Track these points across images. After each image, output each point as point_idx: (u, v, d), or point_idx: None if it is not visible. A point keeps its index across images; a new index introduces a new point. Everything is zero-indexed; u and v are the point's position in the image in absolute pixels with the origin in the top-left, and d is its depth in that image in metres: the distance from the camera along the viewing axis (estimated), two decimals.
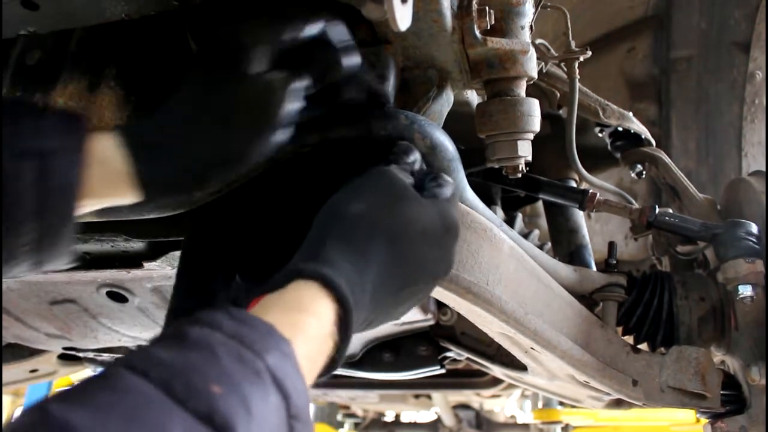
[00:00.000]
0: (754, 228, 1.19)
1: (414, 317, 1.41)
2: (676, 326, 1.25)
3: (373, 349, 1.68)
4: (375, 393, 2.97)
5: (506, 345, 1.22)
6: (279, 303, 0.57)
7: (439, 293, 0.93)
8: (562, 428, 3.59)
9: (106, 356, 1.70)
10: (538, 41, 1.23)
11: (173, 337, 0.48)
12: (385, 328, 1.50)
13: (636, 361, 1.13)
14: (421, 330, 1.63)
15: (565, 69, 1.28)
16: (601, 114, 1.40)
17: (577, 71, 1.25)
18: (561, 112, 1.51)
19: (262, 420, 0.44)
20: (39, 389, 3.94)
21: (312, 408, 4.49)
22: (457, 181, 0.90)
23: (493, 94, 0.94)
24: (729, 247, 1.18)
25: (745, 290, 1.14)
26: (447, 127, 0.89)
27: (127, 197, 0.67)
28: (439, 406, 3.98)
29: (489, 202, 1.54)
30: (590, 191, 1.32)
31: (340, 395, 3.05)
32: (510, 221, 1.69)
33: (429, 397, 3.70)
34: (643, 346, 1.23)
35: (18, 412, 0.41)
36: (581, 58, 1.24)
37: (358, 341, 1.62)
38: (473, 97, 1.16)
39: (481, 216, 0.92)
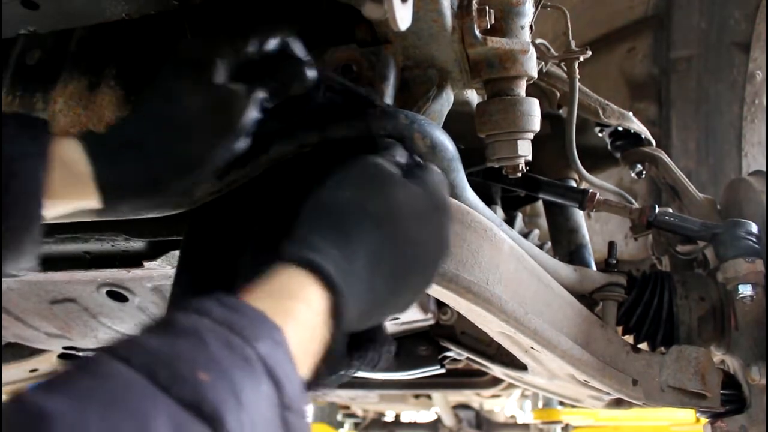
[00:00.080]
0: (754, 228, 1.19)
1: (414, 317, 1.41)
2: (676, 326, 1.25)
3: None
4: (375, 393, 2.97)
5: (506, 344, 1.22)
6: (266, 290, 0.55)
7: (439, 293, 0.93)
8: (562, 428, 3.59)
9: None
10: (538, 41, 1.23)
11: (161, 324, 0.47)
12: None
13: (636, 361, 1.13)
14: (421, 329, 1.63)
15: (565, 69, 1.29)
16: (601, 114, 1.40)
17: (577, 71, 1.25)
18: (561, 111, 1.51)
19: (252, 409, 0.43)
20: None
21: (312, 408, 4.49)
22: (457, 181, 0.90)
23: (493, 93, 0.94)
24: (729, 247, 1.18)
25: (745, 290, 1.14)
26: (447, 127, 0.89)
27: (90, 201, 0.69)
28: (439, 406, 3.98)
29: (489, 201, 1.54)
30: (590, 191, 1.32)
31: (340, 395, 3.05)
32: (510, 221, 1.69)
33: (429, 397, 3.70)
34: (643, 346, 1.23)
35: None
36: (581, 58, 1.24)
37: None
38: (473, 96, 1.16)
39: (481, 216, 0.92)
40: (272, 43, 0.75)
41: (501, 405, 4.58)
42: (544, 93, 1.42)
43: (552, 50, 1.27)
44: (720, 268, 1.20)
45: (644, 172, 1.51)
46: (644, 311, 1.25)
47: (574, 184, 1.50)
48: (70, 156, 0.67)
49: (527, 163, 0.97)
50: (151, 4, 0.83)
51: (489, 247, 0.92)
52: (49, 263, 1.05)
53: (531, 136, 0.95)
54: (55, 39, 0.92)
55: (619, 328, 1.25)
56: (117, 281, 1.16)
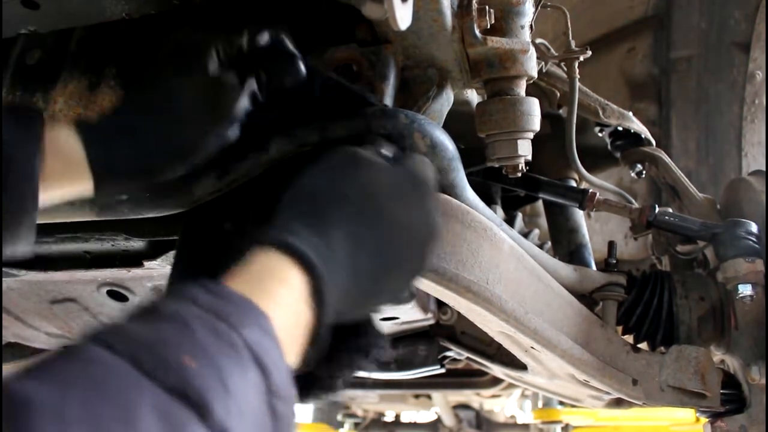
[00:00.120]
0: (753, 227, 1.20)
1: (414, 317, 1.41)
2: (676, 325, 1.25)
3: None
4: (375, 393, 2.97)
5: (506, 344, 1.22)
6: (245, 274, 0.54)
7: (439, 292, 0.93)
8: (562, 428, 3.58)
9: None
10: (538, 41, 1.23)
11: (145, 311, 0.46)
12: (385, 327, 1.50)
13: (636, 361, 1.13)
14: (421, 329, 1.63)
15: (565, 69, 1.29)
16: (601, 114, 1.41)
17: (577, 71, 1.25)
18: (561, 111, 1.51)
19: (240, 396, 0.42)
20: None
21: (312, 407, 4.49)
22: (457, 181, 0.90)
23: (493, 93, 0.94)
24: (729, 247, 1.18)
25: (745, 289, 1.14)
26: (447, 127, 0.89)
27: (83, 185, 0.70)
28: (439, 406, 3.98)
29: (489, 201, 1.54)
30: (590, 191, 1.32)
31: (340, 395, 3.05)
32: (510, 221, 1.69)
33: (429, 397, 3.71)
34: (643, 346, 1.23)
35: None
36: (581, 58, 1.24)
37: None
38: (473, 96, 1.16)
39: (481, 215, 0.92)
40: (264, 37, 0.77)
41: (501, 405, 4.58)
42: (544, 93, 1.42)
43: (552, 50, 1.27)
44: (720, 268, 1.20)
45: (644, 172, 1.51)
46: (644, 311, 1.25)
47: (574, 184, 1.50)
48: (64, 142, 0.68)
49: (527, 163, 0.97)
50: (151, 4, 0.84)
51: (489, 246, 0.92)
52: (49, 263, 1.05)
53: (531, 135, 0.95)
54: (55, 39, 0.92)
55: (619, 328, 1.25)
56: (117, 281, 1.16)
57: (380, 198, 0.66)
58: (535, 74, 0.94)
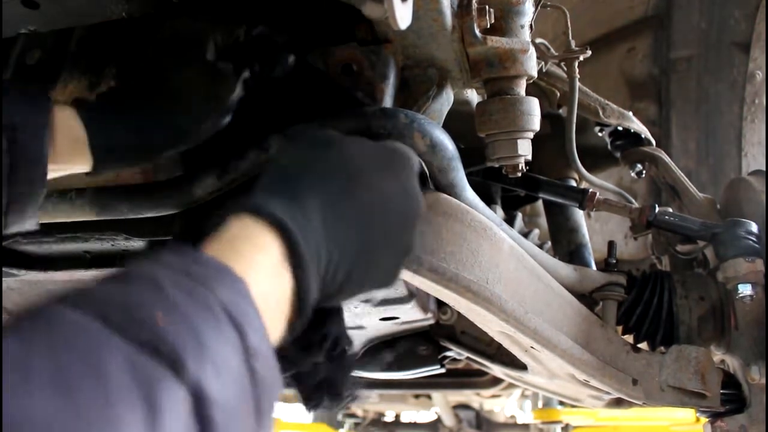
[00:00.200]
0: (753, 227, 1.19)
1: (414, 316, 1.41)
2: (676, 325, 1.25)
3: (373, 349, 1.68)
4: (375, 393, 2.97)
5: (506, 344, 1.22)
6: (217, 242, 0.53)
7: (439, 292, 0.93)
8: (562, 428, 3.58)
9: None
10: (538, 40, 1.23)
11: (115, 275, 0.44)
12: (385, 327, 1.49)
13: (636, 360, 1.13)
14: (421, 329, 1.63)
15: (565, 68, 1.29)
16: (600, 113, 1.40)
17: (577, 71, 1.25)
18: (561, 111, 1.51)
19: (215, 353, 0.40)
20: None
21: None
22: (457, 180, 0.90)
23: (493, 93, 0.94)
24: (729, 246, 1.18)
25: (745, 289, 1.14)
26: (447, 126, 0.89)
27: (83, 165, 0.73)
28: (439, 406, 3.98)
29: (489, 201, 1.54)
30: (590, 190, 1.32)
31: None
32: (510, 220, 1.69)
33: (429, 397, 3.71)
34: (643, 346, 1.23)
35: None
36: (581, 58, 1.24)
37: (358, 340, 1.62)
38: (473, 96, 1.16)
39: (480, 215, 0.92)
40: (257, 30, 0.80)
41: (501, 405, 4.58)
42: (544, 93, 1.42)
43: (552, 50, 1.27)
44: (720, 268, 1.20)
45: (644, 171, 1.51)
46: (644, 311, 1.25)
47: (574, 184, 1.50)
48: (67, 124, 0.71)
49: (527, 163, 0.97)
50: (151, 3, 0.84)
51: (489, 246, 0.92)
52: (49, 263, 1.05)
53: (531, 135, 0.95)
54: (55, 38, 0.92)
55: (619, 328, 1.25)
56: None
57: (354, 167, 0.65)
58: (535, 74, 0.94)
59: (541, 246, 1.47)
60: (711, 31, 2.13)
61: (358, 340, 1.63)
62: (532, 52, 0.93)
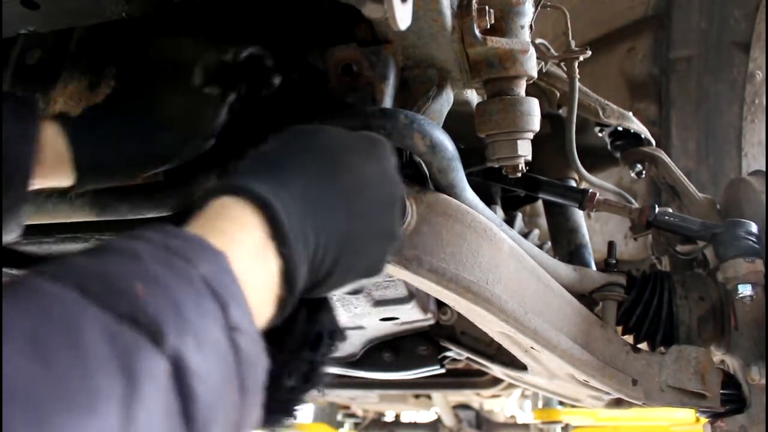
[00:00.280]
0: (753, 227, 1.19)
1: (414, 317, 1.41)
2: (676, 326, 1.25)
3: (373, 349, 1.68)
4: (375, 393, 2.97)
5: (506, 344, 1.22)
6: (198, 220, 0.52)
7: (439, 292, 0.93)
8: (562, 428, 3.58)
9: None
10: (538, 41, 1.23)
11: (93, 248, 0.43)
12: (385, 327, 1.50)
13: (636, 361, 1.13)
14: (421, 329, 1.63)
15: (565, 69, 1.29)
16: (600, 114, 1.40)
17: (577, 71, 1.25)
18: (561, 111, 1.51)
19: (196, 325, 0.39)
20: None
21: (312, 408, 4.49)
22: (457, 181, 0.90)
23: (493, 93, 0.94)
24: (729, 247, 1.18)
25: (745, 289, 1.14)
26: (447, 127, 0.89)
27: (66, 178, 0.75)
28: (439, 406, 3.98)
29: (489, 201, 1.54)
30: (590, 191, 1.32)
31: (340, 395, 3.05)
32: (510, 221, 1.69)
33: (429, 397, 3.70)
34: (643, 346, 1.23)
35: None
36: (581, 58, 1.24)
37: (358, 340, 1.62)
38: (473, 96, 1.16)
39: (480, 215, 0.92)
40: (245, 52, 0.81)
41: (501, 405, 4.58)
42: (544, 93, 1.42)
43: (552, 50, 1.27)
44: (720, 268, 1.20)
45: (644, 171, 1.51)
46: (644, 311, 1.25)
47: (574, 184, 1.50)
48: (52, 140, 0.72)
49: (527, 163, 0.97)
50: (151, 4, 0.84)
51: (489, 246, 0.92)
52: None
53: (531, 135, 0.95)
54: (55, 39, 0.92)
55: (619, 328, 1.25)
56: None
57: (335, 150, 0.66)
58: (535, 74, 0.94)
59: (541, 246, 1.47)
60: (711, 31, 2.13)
61: (358, 340, 1.63)
62: (532, 52, 0.93)
